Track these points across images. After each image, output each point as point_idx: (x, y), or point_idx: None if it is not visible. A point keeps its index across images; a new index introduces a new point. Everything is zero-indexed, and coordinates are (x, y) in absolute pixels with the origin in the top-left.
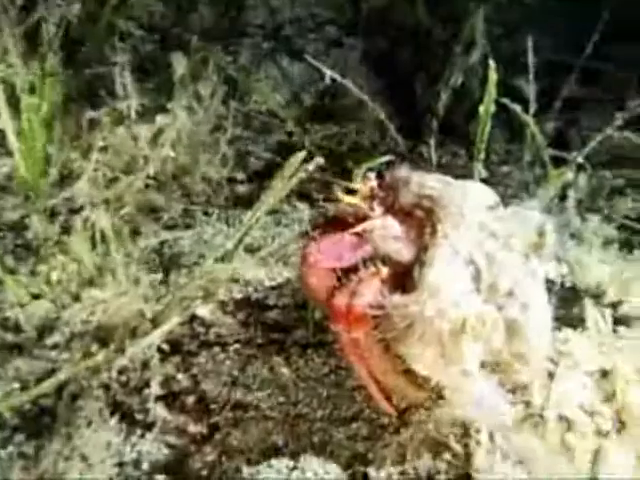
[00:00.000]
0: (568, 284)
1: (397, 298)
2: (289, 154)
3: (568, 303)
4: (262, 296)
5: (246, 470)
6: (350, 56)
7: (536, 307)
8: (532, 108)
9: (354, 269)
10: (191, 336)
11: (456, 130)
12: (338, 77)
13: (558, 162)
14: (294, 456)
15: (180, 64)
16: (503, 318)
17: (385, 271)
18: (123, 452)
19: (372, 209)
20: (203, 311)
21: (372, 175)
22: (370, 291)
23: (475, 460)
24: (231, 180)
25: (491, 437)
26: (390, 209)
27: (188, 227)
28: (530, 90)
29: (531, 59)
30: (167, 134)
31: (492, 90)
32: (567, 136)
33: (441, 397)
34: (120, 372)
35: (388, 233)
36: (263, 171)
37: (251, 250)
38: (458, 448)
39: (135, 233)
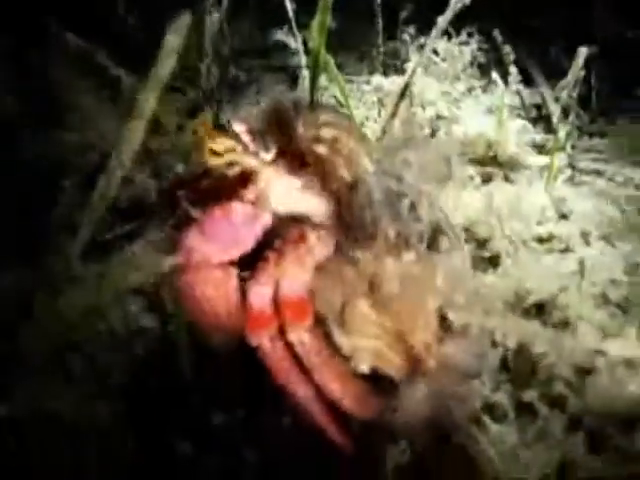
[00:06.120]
0: None
1: (362, 255)
2: None
3: None
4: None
5: None
6: None
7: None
8: None
9: (263, 249)
10: None
11: None
12: None
13: None
14: None
15: None
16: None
17: (311, 235)
18: None
19: (256, 160)
20: None
21: (239, 116)
22: (303, 267)
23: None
24: None
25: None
26: (278, 155)
27: None
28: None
29: None
30: None
31: None
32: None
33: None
34: None
35: (287, 187)
36: None
37: None
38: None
39: None
